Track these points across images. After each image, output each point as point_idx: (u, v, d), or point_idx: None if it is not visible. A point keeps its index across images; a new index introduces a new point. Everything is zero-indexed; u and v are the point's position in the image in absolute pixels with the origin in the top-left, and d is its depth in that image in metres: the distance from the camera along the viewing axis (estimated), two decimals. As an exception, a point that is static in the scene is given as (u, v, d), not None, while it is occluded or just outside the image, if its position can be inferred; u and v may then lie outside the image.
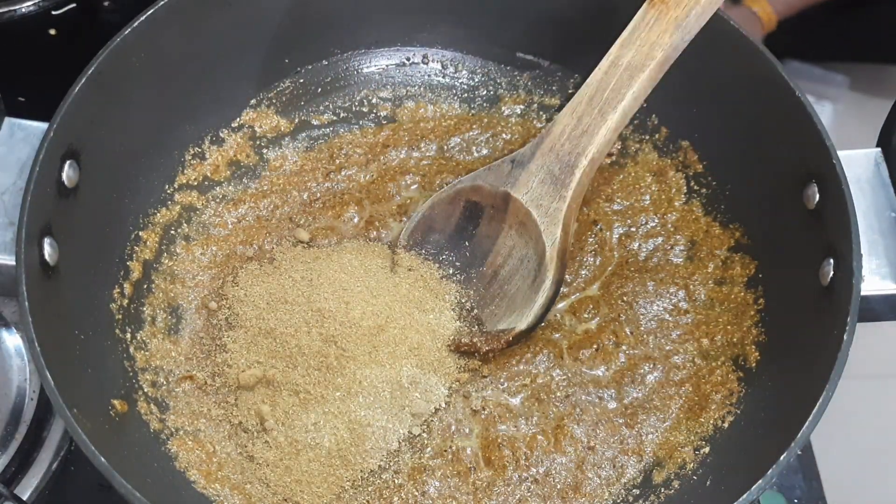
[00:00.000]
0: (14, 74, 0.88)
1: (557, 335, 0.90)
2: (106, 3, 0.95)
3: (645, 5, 0.87)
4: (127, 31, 0.83)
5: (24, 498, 0.85)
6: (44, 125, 0.79)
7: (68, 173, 0.78)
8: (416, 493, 0.83)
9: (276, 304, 0.87)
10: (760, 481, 0.69)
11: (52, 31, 0.97)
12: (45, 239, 0.75)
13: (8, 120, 0.82)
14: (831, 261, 0.79)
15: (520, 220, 0.88)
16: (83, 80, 0.80)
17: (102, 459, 0.66)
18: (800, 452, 0.95)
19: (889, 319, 0.81)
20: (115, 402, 0.79)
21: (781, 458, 0.70)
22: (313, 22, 0.97)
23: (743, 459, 0.80)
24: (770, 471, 0.69)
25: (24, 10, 0.94)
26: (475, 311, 0.89)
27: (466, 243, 0.91)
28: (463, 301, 0.89)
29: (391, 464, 0.84)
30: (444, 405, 0.86)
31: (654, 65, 0.85)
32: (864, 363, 1.12)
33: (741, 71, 0.87)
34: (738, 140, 0.91)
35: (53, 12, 0.95)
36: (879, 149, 0.86)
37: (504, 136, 1.00)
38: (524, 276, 0.88)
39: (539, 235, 0.87)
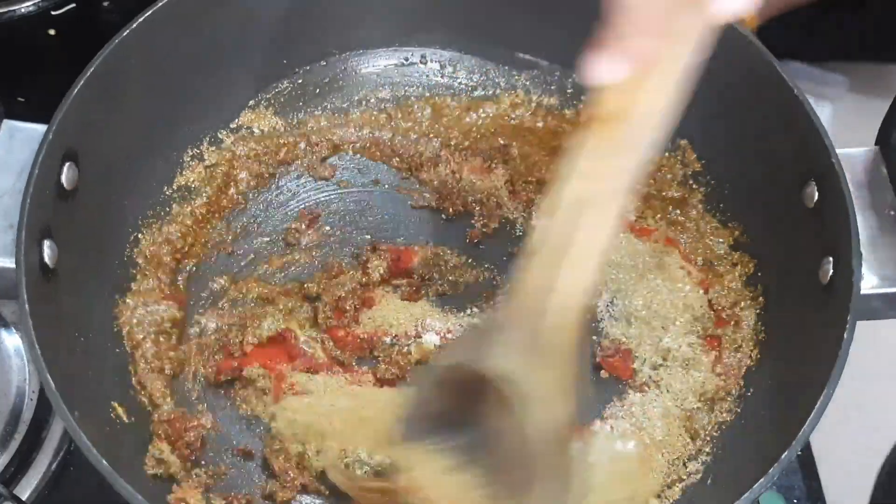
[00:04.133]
0: (14, 75, 0.89)
1: None
2: (106, 3, 0.95)
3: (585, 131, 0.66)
4: (125, 33, 0.83)
5: (24, 498, 0.85)
6: (42, 127, 0.78)
7: (67, 175, 0.78)
8: None
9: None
10: (762, 480, 0.69)
11: (52, 31, 0.97)
12: (45, 241, 0.75)
13: (6, 122, 0.82)
14: (830, 259, 0.78)
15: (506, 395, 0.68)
16: (82, 82, 0.79)
17: (105, 463, 0.65)
18: (800, 452, 0.95)
19: (888, 317, 0.81)
20: (116, 404, 0.79)
21: (783, 457, 0.69)
22: (311, 22, 0.97)
23: (744, 459, 0.80)
24: (771, 470, 0.69)
25: (23, 10, 0.94)
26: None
27: (465, 426, 0.73)
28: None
29: None
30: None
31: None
32: (864, 363, 1.12)
33: (740, 70, 0.87)
34: (737, 139, 0.91)
35: (53, 12, 0.95)
36: (878, 147, 0.86)
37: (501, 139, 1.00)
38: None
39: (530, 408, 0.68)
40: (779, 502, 0.93)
